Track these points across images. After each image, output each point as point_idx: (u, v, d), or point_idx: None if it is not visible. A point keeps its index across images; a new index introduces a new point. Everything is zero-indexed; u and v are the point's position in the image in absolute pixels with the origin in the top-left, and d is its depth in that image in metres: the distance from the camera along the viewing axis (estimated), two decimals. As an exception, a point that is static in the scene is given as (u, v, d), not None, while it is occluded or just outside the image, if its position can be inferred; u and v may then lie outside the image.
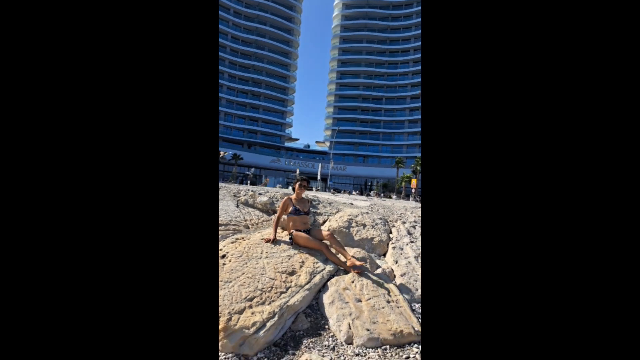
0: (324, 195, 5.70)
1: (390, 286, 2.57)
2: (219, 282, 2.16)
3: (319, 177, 23.60)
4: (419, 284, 2.76)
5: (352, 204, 4.90)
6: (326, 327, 2.16)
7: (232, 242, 2.72)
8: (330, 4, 59.36)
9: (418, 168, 30.05)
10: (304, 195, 3.26)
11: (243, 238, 2.85)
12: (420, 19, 50.05)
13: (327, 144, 42.12)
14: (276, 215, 2.99)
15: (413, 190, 25.72)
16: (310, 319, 2.21)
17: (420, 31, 49.81)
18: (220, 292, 2.06)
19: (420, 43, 49.56)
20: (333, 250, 2.82)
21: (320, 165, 25.20)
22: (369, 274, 2.68)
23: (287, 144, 47.67)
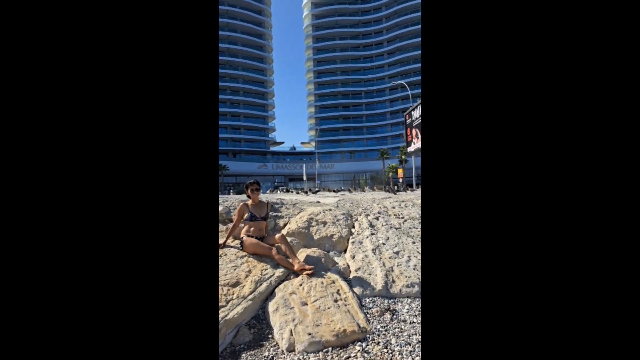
0: (291, 197, 5.61)
1: (341, 284, 2.50)
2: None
3: (304, 178, 23.49)
4: (373, 277, 2.69)
5: (318, 202, 4.82)
6: (270, 336, 2.07)
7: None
8: (299, 4, 59.31)
9: (403, 157, 30.15)
10: (262, 199, 3.17)
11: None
12: (389, 11, 50.33)
13: (313, 144, 41.96)
14: (233, 222, 2.89)
15: (400, 180, 25.79)
16: (253, 331, 2.12)
17: (391, 22, 50.10)
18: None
19: (392, 34, 49.85)
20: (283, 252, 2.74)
21: (304, 165, 25.10)
22: (322, 274, 2.60)
23: (273, 148, 47.46)
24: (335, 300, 2.29)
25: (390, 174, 29.77)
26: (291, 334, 1.99)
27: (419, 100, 14.12)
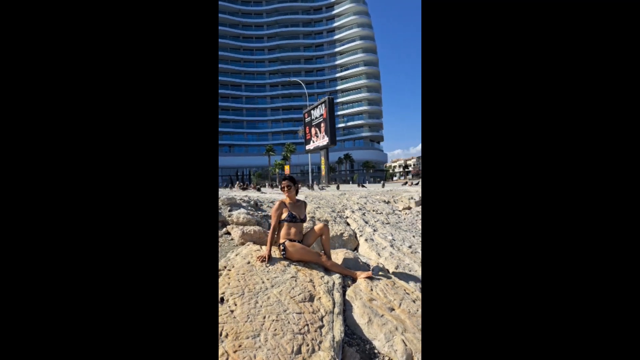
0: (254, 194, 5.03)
1: (402, 283, 2.43)
2: (245, 338, 1.52)
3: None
4: (415, 274, 2.71)
5: (289, 199, 4.49)
6: (376, 351, 1.84)
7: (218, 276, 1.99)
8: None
9: (288, 154, 30.84)
10: (298, 198, 2.69)
11: (225, 267, 2.13)
12: (270, 7, 50.41)
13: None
14: (272, 225, 2.37)
15: (287, 176, 26.34)
16: (355, 349, 1.84)
17: (271, 19, 50.29)
18: (258, 354, 1.45)
19: (273, 31, 50.14)
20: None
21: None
22: (378, 275, 2.46)
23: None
24: (414, 301, 2.21)
25: (277, 170, 30.01)
26: (405, 344, 1.83)
27: (322, 99, 14.74)
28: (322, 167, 14.79)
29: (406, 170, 66.88)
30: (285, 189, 2.50)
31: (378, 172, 47.30)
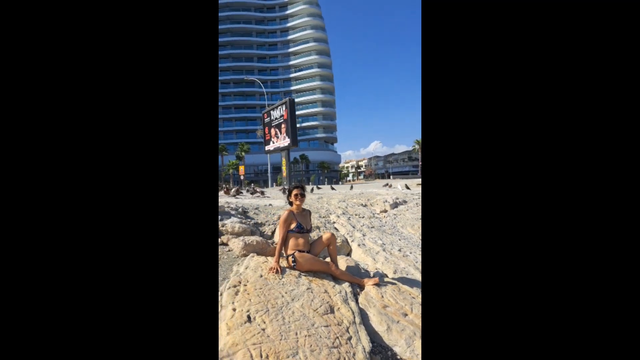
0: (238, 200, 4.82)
1: (407, 288, 2.51)
2: (285, 357, 1.47)
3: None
4: (411, 277, 2.82)
5: (271, 205, 4.39)
6: (398, 357, 1.89)
7: (235, 294, 1.89)
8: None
9: (242, 154, 30.01)
10: (304, 207, 2.64)
11: (240, 282, 2.03)
12: (223, 0, 48.66)
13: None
14: (280, 235, 2.29)
15: (242, 177, 25.64)
16: (380, 357, 1.87)
17: (224, 14, 48.59)
18: (304, 375, 1.41)
19: (225, 26, 48.47)
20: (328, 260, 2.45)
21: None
22: (383, 281, 2.52)
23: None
24: (420, 304, 2.31)
25: (231, 170, 29.03)
26: (425, 348, 1.90)
27: (283, 100, 14.59)
28: (284, 168, 14.64)
29: (359, 170, 68.87)
30: (299, 197, 2.45)
31: (333, 173, 48.08)
